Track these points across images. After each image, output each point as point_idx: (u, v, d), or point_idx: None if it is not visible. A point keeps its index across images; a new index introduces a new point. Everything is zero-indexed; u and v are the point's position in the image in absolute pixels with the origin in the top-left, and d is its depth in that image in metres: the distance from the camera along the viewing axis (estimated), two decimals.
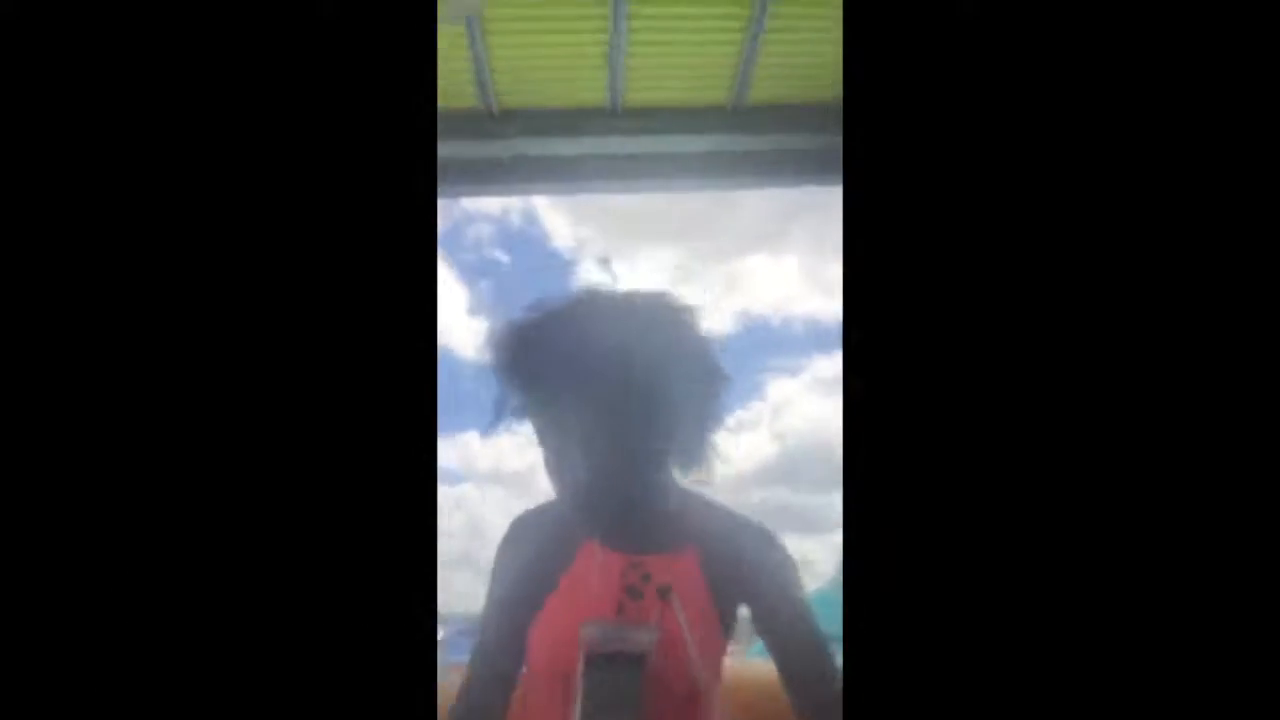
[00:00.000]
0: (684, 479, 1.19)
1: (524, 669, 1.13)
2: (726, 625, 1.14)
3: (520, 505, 1.25)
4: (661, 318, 1.13)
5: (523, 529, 1.19)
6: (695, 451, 1.15)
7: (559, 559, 1.13)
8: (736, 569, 1.12)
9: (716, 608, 1.11)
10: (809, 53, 2.25)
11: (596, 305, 1.15)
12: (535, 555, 1.14)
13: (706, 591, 1.11)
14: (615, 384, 1.07)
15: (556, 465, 1.14)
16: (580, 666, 1.00)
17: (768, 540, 1.17)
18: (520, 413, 1.16)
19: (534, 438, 1.16)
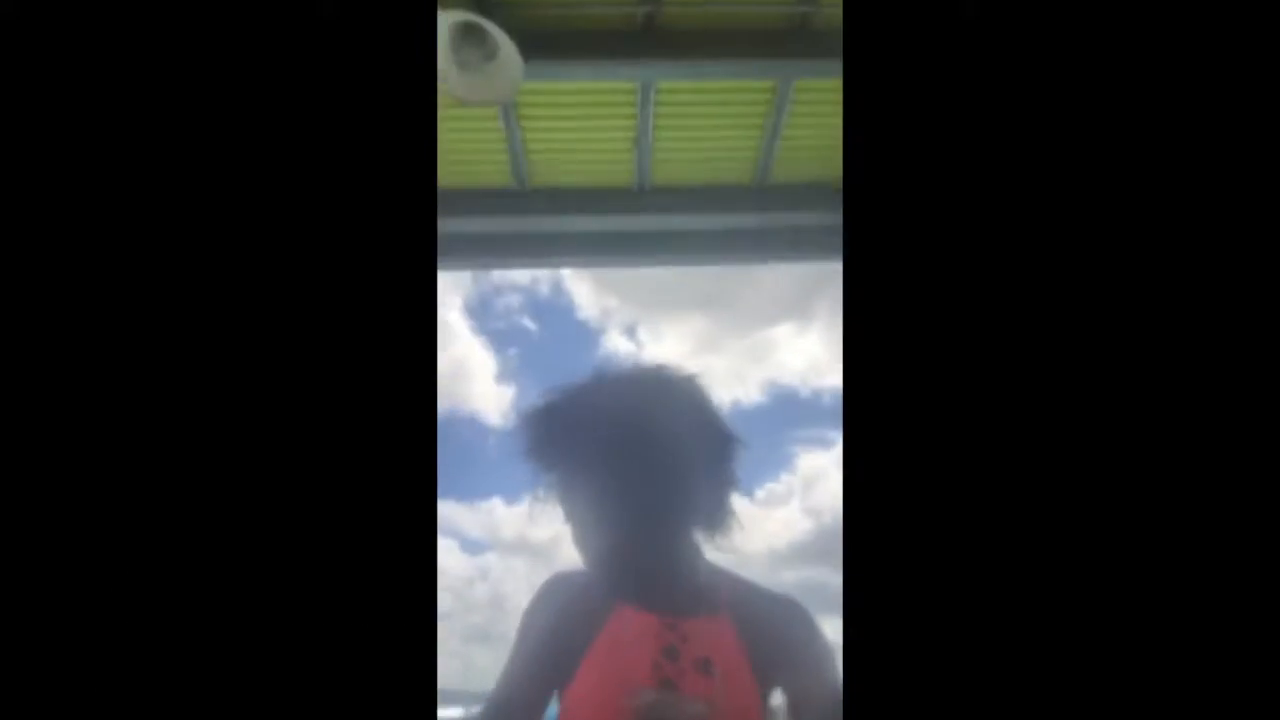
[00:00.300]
0: (710, 550, 1.20)
1: None
2: (764, 699, 1.13)
3: (544, 574, 1.26)
4: (669, 388, 1.17)
5: (555, 589, 1.19)
6: (716, 515, 1.17)
7: (590, 624, 1.13)
8: (772, 641, 1.11)
9: (755, 678, 1.10)
10: (830, 135, 2.33)
11: (606, 381, 1.18)
12: (566, 616, 1.14)
13: (745, 661, 1.11)
14: (629, 454, 1.11)
15: (582, 538, 1.17)
16: None
17: (801, 614, 1.17)
18: (548, 489, 1.20)
19: (559, 510, 1.19)
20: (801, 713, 1.09)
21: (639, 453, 1.11)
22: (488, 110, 2.12)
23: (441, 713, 1.14)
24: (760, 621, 1.13)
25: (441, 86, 1.75)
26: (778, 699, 1.14)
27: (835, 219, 2.54)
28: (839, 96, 2.18)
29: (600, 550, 1.16)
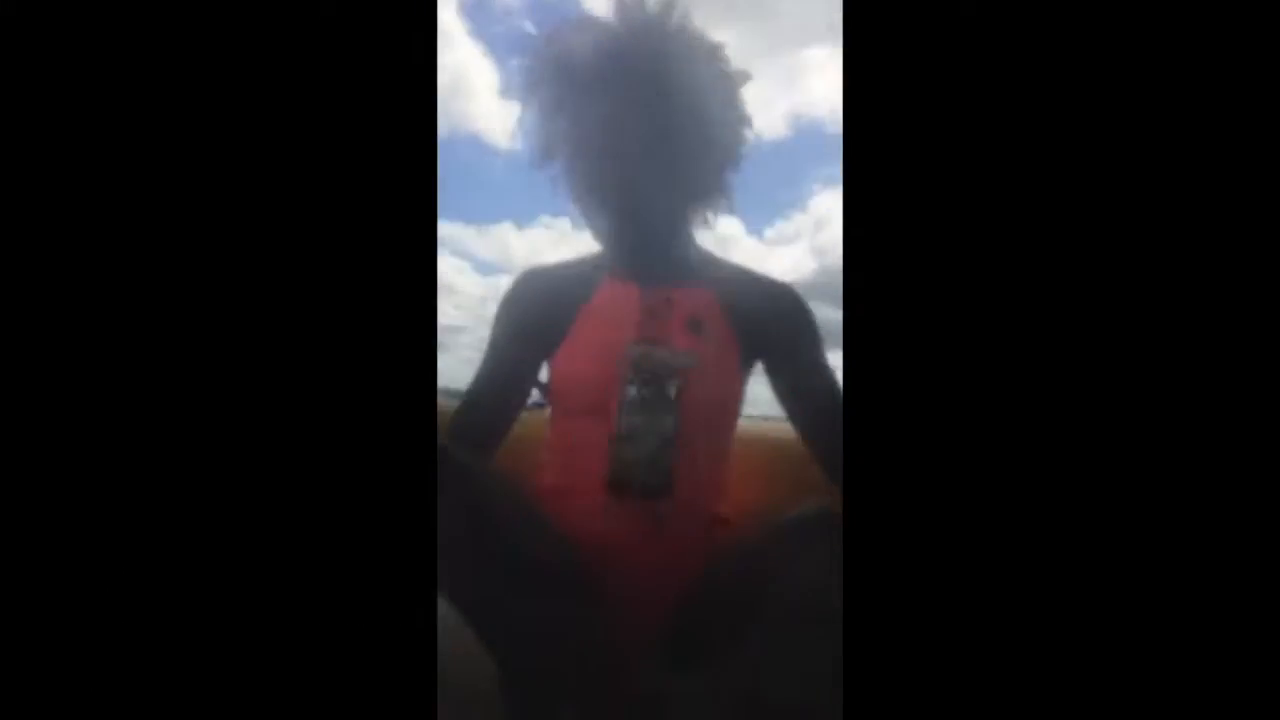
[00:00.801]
0: (701, 229, 1.20)
1: (536, 401, 1.17)
2: (744, 371, 1.15)
3: None
4: (690, 52, 1.10)
5: (531, 280, 1.19)
6: (713, 189, 1.16)
7: (574, 298, 1.13)
8: (758, 314, 1.13)
9: (738, 347, 1.12)
10: None
11: (630, 26, 1.09)
12: (549, 296, 1.15)
13: (729, 330, 1.12)
14: (640, 113, 1.07)
15: (587, 212, 1.15)
16: (619, 389, 1.05)
17: (791, 297, 1.18)
18: (556, 166, 1.14)
19: (570, 217, 1.17)
20: (787, 387, 1.13)
21: (650, 112, 1.06)
22: None
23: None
24: (747, 297, 1.14)
25: None
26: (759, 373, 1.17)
27: None
28: None
29: (601, 219, 1.14)
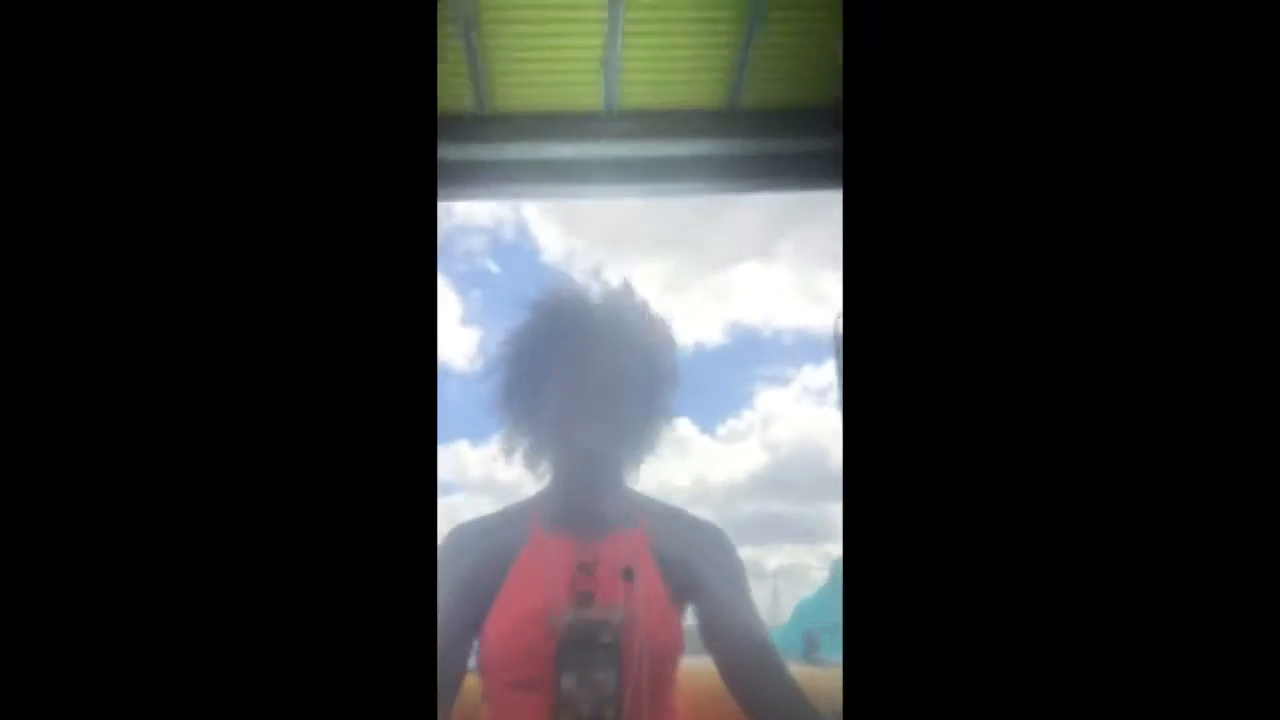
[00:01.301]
0: (637, 477, 1.25)
1: (474, 670, 1.14)
2: (678, 606, 1.15)
3: None
4: (619, 319, 1.20)
5: (458, 539, 1.19)
6: (645, 444, 1.21)
7: (503, 558, 1.13)
8: (686, 559, 1.15)
9: (667, 587, 1.13)
10: (805, 55, 2.24)
11: (561, 310, 1.20)
12: (478, 559, 1.15)
13: (656, 570, 1.13)
14: (570, 382, 1.14)
15: (530, 462, 1.20)
16: (554, 656, 1.03)
17: (717, 538, 1.21)
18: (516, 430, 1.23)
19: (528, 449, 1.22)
20: (713, 634, 1.11)
21: (583, 386, 1.13)
22: (447, 29, 2.00)
23: None
24: (675, 539, 1.15)
25: None
26: (690, 619, 1.16)
27: (810, 145, 2.47)
28: (815, 15, 2.10)
29: (539, 462, 1.19)
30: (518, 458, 1.23)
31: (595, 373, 1.14)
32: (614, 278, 1.30)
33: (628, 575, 1.10)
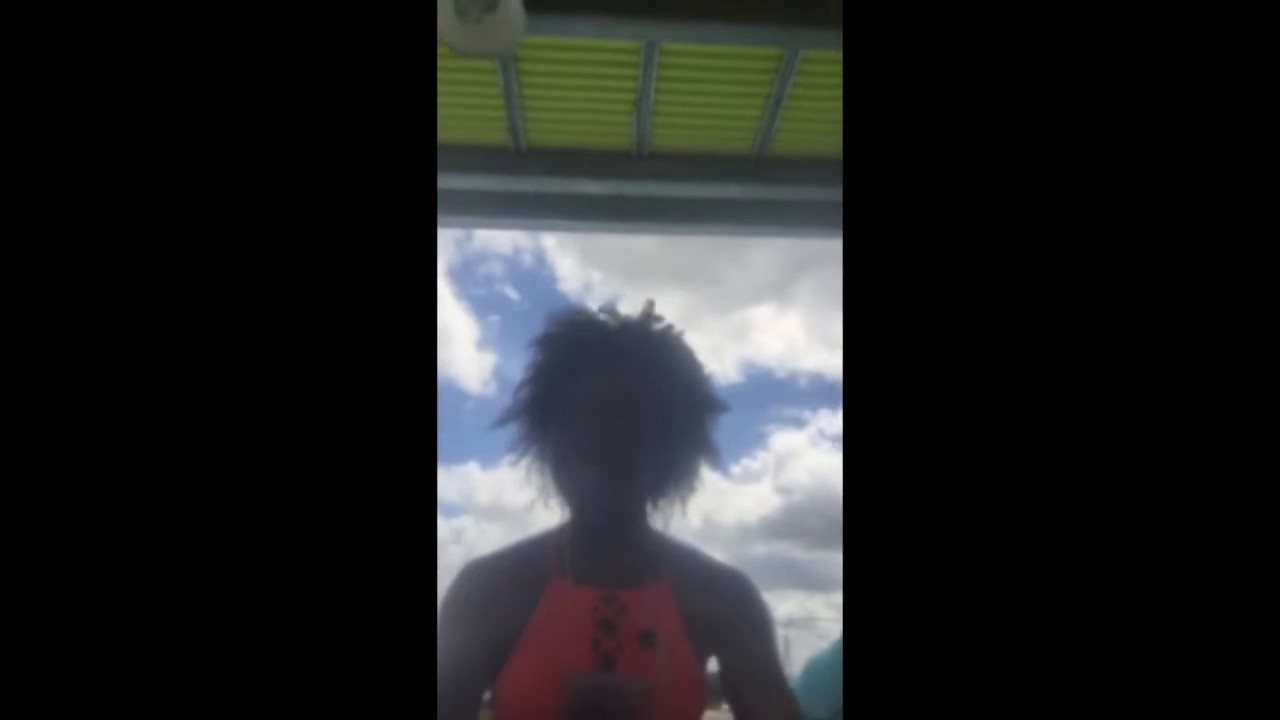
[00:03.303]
0: (663, 519, 1.14)
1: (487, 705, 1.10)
2: (702, 664, 1.09)
3: (519, 539, 1.22)
4: (654, 352, 1.12)
5: (473, 576, 1.13)
6: (686, 483, 1.14)
7: (522, 604, 1.08)
8: (710, 609, 1.09)
9: (692, 646, 1.07)
10: (832, 108, 2.29)
11: (591, 337, 1.13)
12: (494, 602, 1.09)
13: (682, 628, 1.08)
14: (601, 413, 1.07)
15: (552, 496, 1.12)
16: (569, 716, 0.97)
17: (743, 585, 1.14)
18: (532, 455, 1.15)
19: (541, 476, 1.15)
20: (735, 684, 1.07)
21: (622, 416, 1.06)
22: (486, 64, 2.07)
23: None
24: (699, 589, 1.09)
25: (440, 37, 1.70)
26: (713, 666, 1.12)
27: (831, 194, 2.51)
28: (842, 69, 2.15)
29: (562, 502, 1.11)
30: (537, 492, 1.16)
31: (613, 408, 1.08)
32: (631, 310, 1.22)
33: (648, 639, 1.05)
